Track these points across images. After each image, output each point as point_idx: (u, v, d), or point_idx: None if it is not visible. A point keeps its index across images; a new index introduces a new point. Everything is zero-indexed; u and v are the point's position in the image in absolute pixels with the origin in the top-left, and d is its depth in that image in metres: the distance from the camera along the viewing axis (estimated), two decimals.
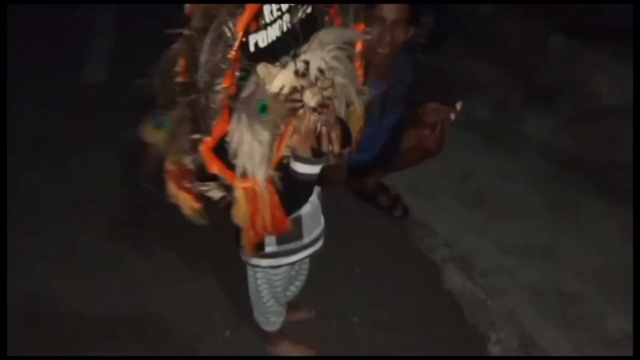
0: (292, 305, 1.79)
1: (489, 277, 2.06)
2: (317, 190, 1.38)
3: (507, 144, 2.81)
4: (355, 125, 1.31)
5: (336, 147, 1.16)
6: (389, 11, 1.75)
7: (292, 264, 1.46)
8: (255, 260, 1.41)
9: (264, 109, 1.01)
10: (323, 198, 1.42)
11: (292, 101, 1.03)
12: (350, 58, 1.15)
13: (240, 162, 1.03)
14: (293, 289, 1.68)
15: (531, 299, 1.97)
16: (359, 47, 1.20)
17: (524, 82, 3.25)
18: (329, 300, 1.93)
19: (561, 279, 2.04)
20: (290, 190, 1.14)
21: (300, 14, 1.05)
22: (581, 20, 3.14)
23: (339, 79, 1.10)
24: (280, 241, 1.35)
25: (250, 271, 1.48)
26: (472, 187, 2.52)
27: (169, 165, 1.08)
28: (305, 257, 1.47)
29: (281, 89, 1.01)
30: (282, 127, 1.07)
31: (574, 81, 3.05)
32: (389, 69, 1.94)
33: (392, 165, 2.25)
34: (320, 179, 1.22)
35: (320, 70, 1.04)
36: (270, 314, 1.60)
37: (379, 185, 2.38)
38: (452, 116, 1.93)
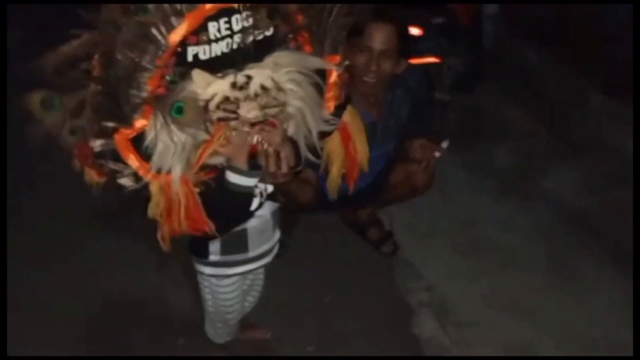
0: (249, 324, 1.81)
1: (463, 329, 1.99)
2: (270, 207, 1.40)
3: (521, 194, 2.71)
4: (337, 154, 1.37)
5: (283, 167, 1.20)
6: (376, 41, 1.76)
7: (236, 275, 1.47)
8: (200, 267, 1.45)
9: (179, 110, 1.04)
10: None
11: (224, 110, 1.06)
12: (319, 86, 1.17)
13: (154, 158, 1.08)
14: (246, 304, 1.70)
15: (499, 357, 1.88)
16: (332, 77, 1.22)
17: (555, 136, 3.13)
18: (289, 325, 1.93)
19: (538, 342, 1.93)
20: (223, 198, 1.19)
21: (255, 37, 1.07)
22: (623, 80, 3.00)
23: (295, 102, 1.13)
24: (224, 251, 1.38)
25: (198, 278, 1.52)
26: (472, 233, 2.44)
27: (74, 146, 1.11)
28: (252, 270, 1.49)
29: (213, 96, 1.05)
30: (208, 134, 1.10)
31: (607, 141, 2.90)
32: (378, 99, 1.94)
33: (382, 199, 2.23)
34: (280, 196, 1.30)
35: (264, 88, 1.07)
36: (215, 326, 1.62)
37: (371, 218, 2.36)
38: (437, 154, 1.90)
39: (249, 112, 1.07)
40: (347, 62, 1.23)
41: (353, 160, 1.42)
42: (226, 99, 1.06)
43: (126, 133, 1.05)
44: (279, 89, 1.09)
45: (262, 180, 1.26)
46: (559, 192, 2.72)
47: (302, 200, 1.92)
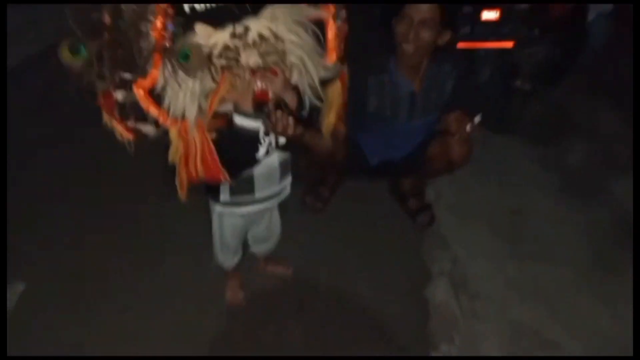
0: (273, 259, 2.00)
1: (474, 301, 2.02)
2: (279, 156, 1.50)
3: (583, 194, 2.61)
4: (336, 99, 1.48)
5: (286, 111, 1.30)
6: (415, 10, 1.81)
7: (243, 215, 1.64)
8: (213, 206, 1.62)
9: (185, 56, 1.14)
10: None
11: (226, 58, 1.20)
12: (317, 36, 1.27)
13: (166, 105, 1.18)
14: (257, 250, 1.89)
15: (503, 334, 1.89)
16: (330, 27, 1.29)
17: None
18: (310, 266, 2.09)
19: (547, 328, 1.91)
20: (232, 142, 1.32)
21: None
22: None
23: (295, 51, 1.24)
24: (232, 192, 1.53)
25: (212, 214, 1.69)
26: (515, 221, 2.42)
27: (100, 95, 1.19)
28: (258, 212, 1.64)
29: (214, 45, 1.18)
30: (214, 81, 1.22)
31: None
32: (419, 70, 1.99)
33: (421, 170, 2.29)
34: (293, 147, 1.40)
35: (261, 36, 1.19)
36: (224, 255, 1.81)
37: (414, 189, 2.44)
38: (468, 127, 1.93)
39: (249, 59, 1.20)
40: (343, 13, 1.30)
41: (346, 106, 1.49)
42: (227, 48, 1.18)
43: (144, 84, 1.15)
44: (278, 38, 1.20)
45: (273, 132, 1.36)
46: (622, 197, 2.58)
47: (336, 158, 2.02)
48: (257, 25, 1.19)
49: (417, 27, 1.84)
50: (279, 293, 2.00)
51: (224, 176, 1.36)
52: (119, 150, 1.26)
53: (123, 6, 1.10)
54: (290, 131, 1.29)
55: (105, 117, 1.24)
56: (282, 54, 1.23)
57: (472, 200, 2.53)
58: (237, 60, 1.20)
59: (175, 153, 1.34)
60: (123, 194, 2.39)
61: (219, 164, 1.33)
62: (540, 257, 2.22)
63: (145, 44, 1.12)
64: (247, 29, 1.18)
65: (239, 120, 1.31)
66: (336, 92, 1.43)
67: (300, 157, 1.68)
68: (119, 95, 1.18)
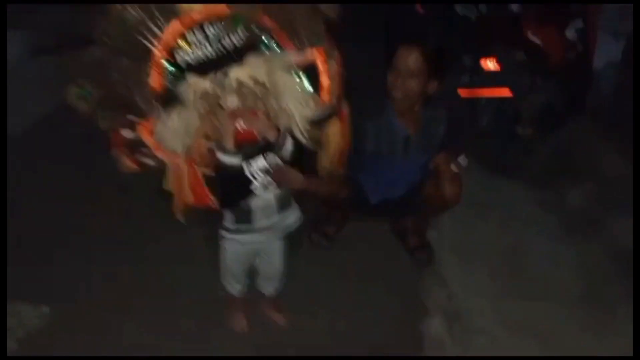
0: (274, 303, 2.11)
1: (467, 335, 2.10)
2: (275, 192, 1.65)
3: (582, 235, 2.68)
4: (334, 140, 1.64)
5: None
6: (402, 62, 2.00)
7: (246, 243, 1.78)
8: (221, 232, 1.78)
9: (173, 102, 1.38)
10: None
11: (207, 102, 1.39)
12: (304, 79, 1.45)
13: (158, 139, 1.41)
14: (262, 284, 2.01)
15: None
16: (321, 69, 1.46)
17: None
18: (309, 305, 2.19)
19: None
20: (225, 175, 1.52)
21: (232, 41, 1.38)
22: None
23: (279, 96, 1.42)
24: (235, 220, 1.71)
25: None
26: (514, 262, 2.50)
27: (110, 133, 1.42)
28: (258, 242, 1.79)
29: (197, 92, 1.38)
30: (200, 121, 1.41)
31: None
32: (412, 116, 2.15)
33: (418, 209, 2.41)
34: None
35: (240, 82, 1.38)
36: (227, 280, 1.95)
37: (415, 227, 2.55)
38: (453, 167, 2.05)
39: (229, 102, 1.39)
40: (336, 55, 1.47)
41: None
42: (206, 93, 1.38)
43: (147, 125, 1.39)
44: (258, 83, 1.38)
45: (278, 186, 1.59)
46: (622, 237, 2.63)
47: (339, 198, 2.19)
48: (236, 73, 1.38)
49: (404, 78, 2.02)
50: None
51: (212, 203, 1.55)
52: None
53: (125, 60, 1.32)
54: (294, 186, 1.51)
55: (113, 150, 1.45)
56: (264, 97, 1.40)
57: (472, 240, 2.63)
58: (219, 104, 1.40)
59: (168, 181, 1.55)
60: (143, 222, 2.56)
61: (207, 192, 1.52)
62: (533, 294, 2.29)
63: (145, 92, 1.35)
64: (225, 75, 1.38)
65: (222, 157, 1.49)
66: (335, 133, 1.58)
67: (303, 196, 1.82)
68: (126, 133, 1.40)
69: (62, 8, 3.41)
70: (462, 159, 2.06)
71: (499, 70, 2.83)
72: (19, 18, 3.43)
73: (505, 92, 2.83)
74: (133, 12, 1.29)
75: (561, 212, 2.87)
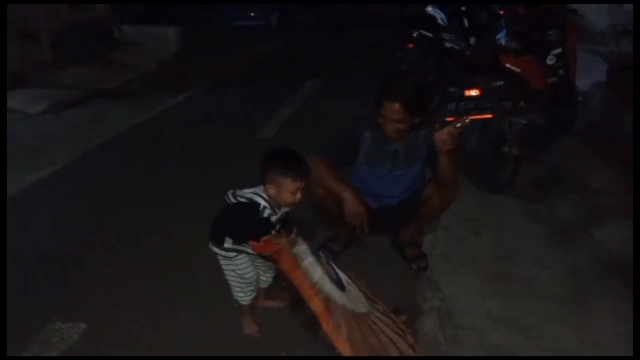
0: (270, 295, 2.39)
1: (458, 331, 2.31)
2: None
3: (568, 240, 2.91)
4: None
5: None
6: (387, 113, 2.40)
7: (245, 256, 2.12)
8: (219, 251, 2.11)
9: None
10: None
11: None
12: None
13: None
14: (264, 279, 2.29)
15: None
16: None
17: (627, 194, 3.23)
18: None
19: (522, 351, 2.17)
20: None
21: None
22: None
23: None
24: (235, 242, 2.07)
25: (221, 261, 2.15)
26: (503, 266, 2.73)
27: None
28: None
29: None
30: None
31: None
32: (402, 136, 2.51)
33: (420, 215, 2.69)
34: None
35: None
36: (244, 291, 2.20)
37: (412, 240, 2.82)
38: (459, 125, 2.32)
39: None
40: None
41: None
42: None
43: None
44: None
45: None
46: (606, 243, 2.86)
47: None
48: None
49: (391, 123, 2.42)
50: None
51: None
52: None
53: None
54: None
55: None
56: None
57: (464, 250, 2.88)
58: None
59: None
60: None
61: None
62: (521, 294, 2.51)
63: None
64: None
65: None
66: None
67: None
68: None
69: None
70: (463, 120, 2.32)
71: (480, 97, 3.14)
72: None
73: (487, 116, 3.13)
74: None
75: (549, 222, 3.12)
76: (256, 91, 6.08)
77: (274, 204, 2.03)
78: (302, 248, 2.02)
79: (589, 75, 4.42)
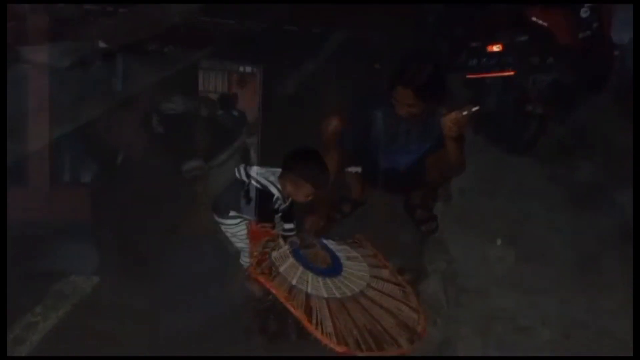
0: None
1: (460, 294, 2.30)
2: None
3: (588, 204, 2.82)
4: None
5: None
6: (399, 98, 2.33)
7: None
8: (223, 221, 2.17)
9: None
10: None
11: None
12: None
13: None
14: None
15: (481, 320, 2.16)
16: None
17: None
18: None
19: (524, 316, 2.15)
20: None
21: None
22: None
23: None
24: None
25: (227, 230, 2.19)
26: (515, 230, 2.68)
27: None
28: None
29: None
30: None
31: None
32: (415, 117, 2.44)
33: (427, 178, 2.64)
34: None
35: None
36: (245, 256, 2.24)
37: (423, 202, 2.77)
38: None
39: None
40: None
41: None
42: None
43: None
44: None
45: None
46: (628, 207, 2.75)
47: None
48: None
49: (405, 107, 2.35)
50: None
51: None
52: None
53: None
54: None
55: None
56: None
57: (477, 213, 2.83)
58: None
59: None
60: None
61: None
62: (530, 258, 2.47)
63: None
64: None
65: None
66: None
67: None
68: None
69: None
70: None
71: (502, 52, 3.00)
72: None
73: (509, 74, 3.00)
74: None
75: (570, 185, 3.01)
76: None
77: (285, 195, 2.09)
78: (282, 250, 2.04)
79: (623, 30, 4.13)
